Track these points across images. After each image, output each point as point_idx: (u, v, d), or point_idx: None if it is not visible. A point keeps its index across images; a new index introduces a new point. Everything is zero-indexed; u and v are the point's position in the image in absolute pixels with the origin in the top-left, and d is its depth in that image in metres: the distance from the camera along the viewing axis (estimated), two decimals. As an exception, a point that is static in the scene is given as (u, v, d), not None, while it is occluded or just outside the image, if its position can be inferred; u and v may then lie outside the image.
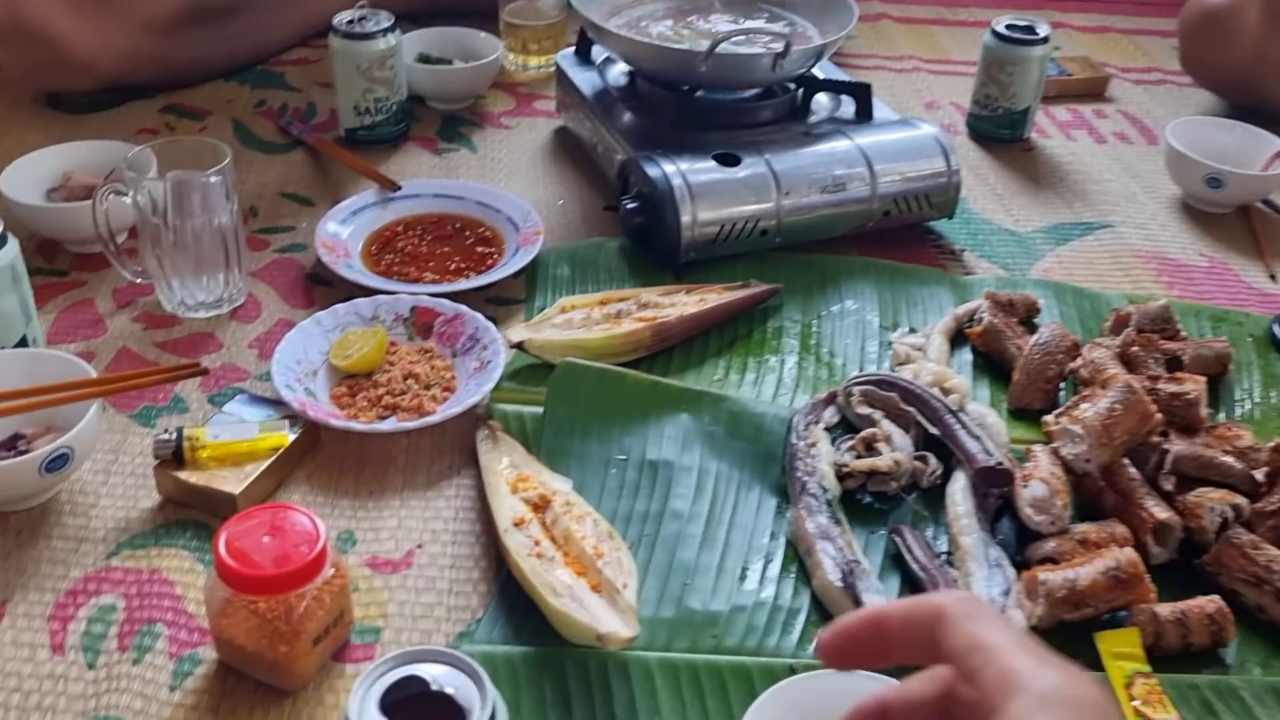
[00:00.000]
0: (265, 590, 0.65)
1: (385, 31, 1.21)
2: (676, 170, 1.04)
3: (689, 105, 1.16)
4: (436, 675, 0.56)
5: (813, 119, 1.19)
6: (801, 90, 1.20)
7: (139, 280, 1.00)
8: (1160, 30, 1.70)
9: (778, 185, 1.06)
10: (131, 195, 0.95)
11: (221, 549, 0.65)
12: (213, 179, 0.94)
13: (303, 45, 1.49)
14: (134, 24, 1.28)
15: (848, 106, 1.21)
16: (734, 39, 1.12)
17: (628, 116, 1.18)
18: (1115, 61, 1.60)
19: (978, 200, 1.24)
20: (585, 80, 1.25)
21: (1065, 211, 1.24)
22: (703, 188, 1.04)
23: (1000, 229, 1.20)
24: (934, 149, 1.12)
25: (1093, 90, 1.49)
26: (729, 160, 1.07)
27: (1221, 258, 1.17)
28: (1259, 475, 0.84)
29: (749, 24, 1.17)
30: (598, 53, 1.29)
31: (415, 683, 0.56)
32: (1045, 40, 1.29)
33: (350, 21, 1.21)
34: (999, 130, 1.35)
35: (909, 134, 1.14)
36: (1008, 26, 1.30)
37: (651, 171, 1.04)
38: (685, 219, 1.03)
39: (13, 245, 0.85)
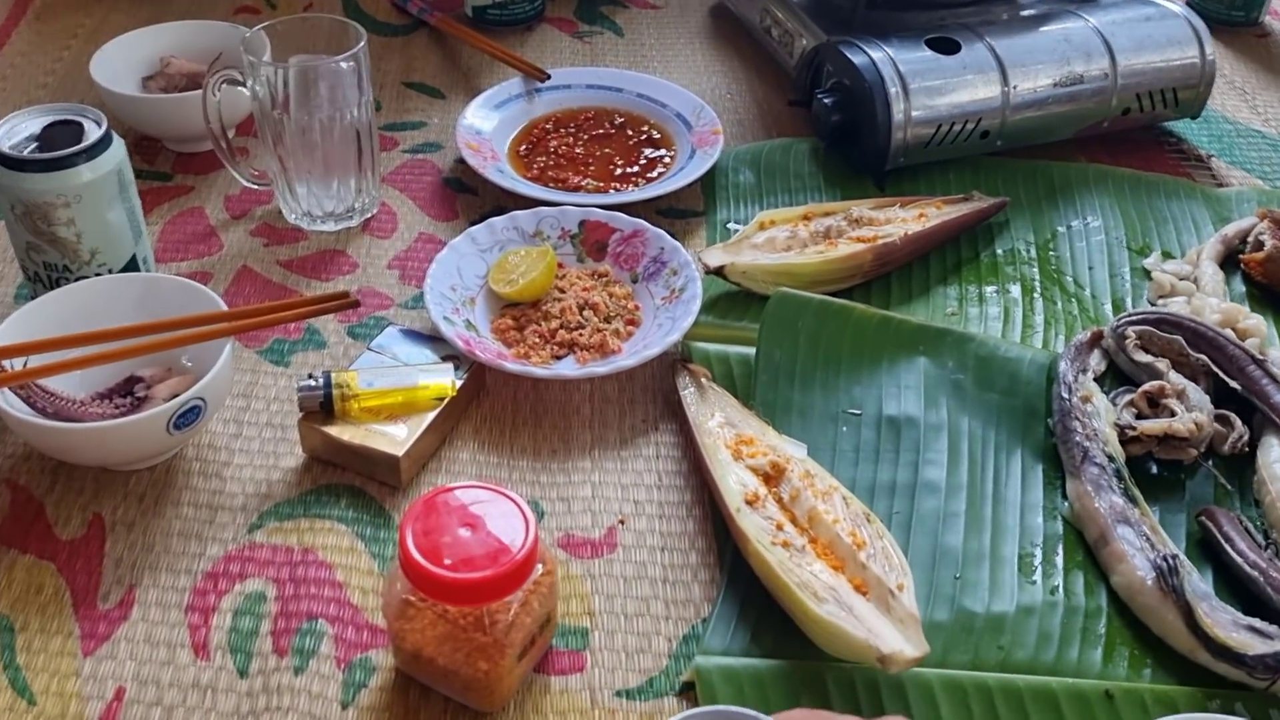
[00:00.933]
0: (464, 599, 0.51)
1: (522, -109, 1.03)
2: (886, 57, 0.87)
3: (885, -20, 0.98)
4: None
5: (1025, -3, 1.01)
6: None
7: (256, 186, 0.85)
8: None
9: (1004, 76, 0.88)
10: (249, 84, 0.79)
11: (410, 543, 0.51)
12: (344, 64, 0.78)
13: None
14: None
15: (1068, -18, 1.02)
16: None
17: (808, -6, 1.00)
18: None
19: (1216, 97, 1.05)
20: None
21: (1317, 109, 1.05)
22: (916, 78, 0.86)
23: (1249, 130, 1.01)
24: (1185, 33, 0.94)
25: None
26: (947, 46, 0.89)
27: None
28: None
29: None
30: (764, -82, 1.10)
31: None
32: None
33: (482, -121, 1.03)
34: (1231, 12, 1.15)
35: (1150, 13, 0.95)
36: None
37: (857, 59, 0.87)
38: (898, 117, 0.86)
39: (119, 147, 0.70)
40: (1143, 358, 0.72)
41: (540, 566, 0.54)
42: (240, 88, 0.81)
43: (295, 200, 0.84)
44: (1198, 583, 0.60)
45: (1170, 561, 0.60)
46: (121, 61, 0.93)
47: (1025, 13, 0.98)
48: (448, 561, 0.50)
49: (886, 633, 0.54)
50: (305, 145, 0.81)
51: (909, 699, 0.55)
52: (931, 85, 0.87)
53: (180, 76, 0.94)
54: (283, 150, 0.81)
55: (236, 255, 0.82)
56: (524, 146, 0.92)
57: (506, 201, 0.85)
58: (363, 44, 0.79)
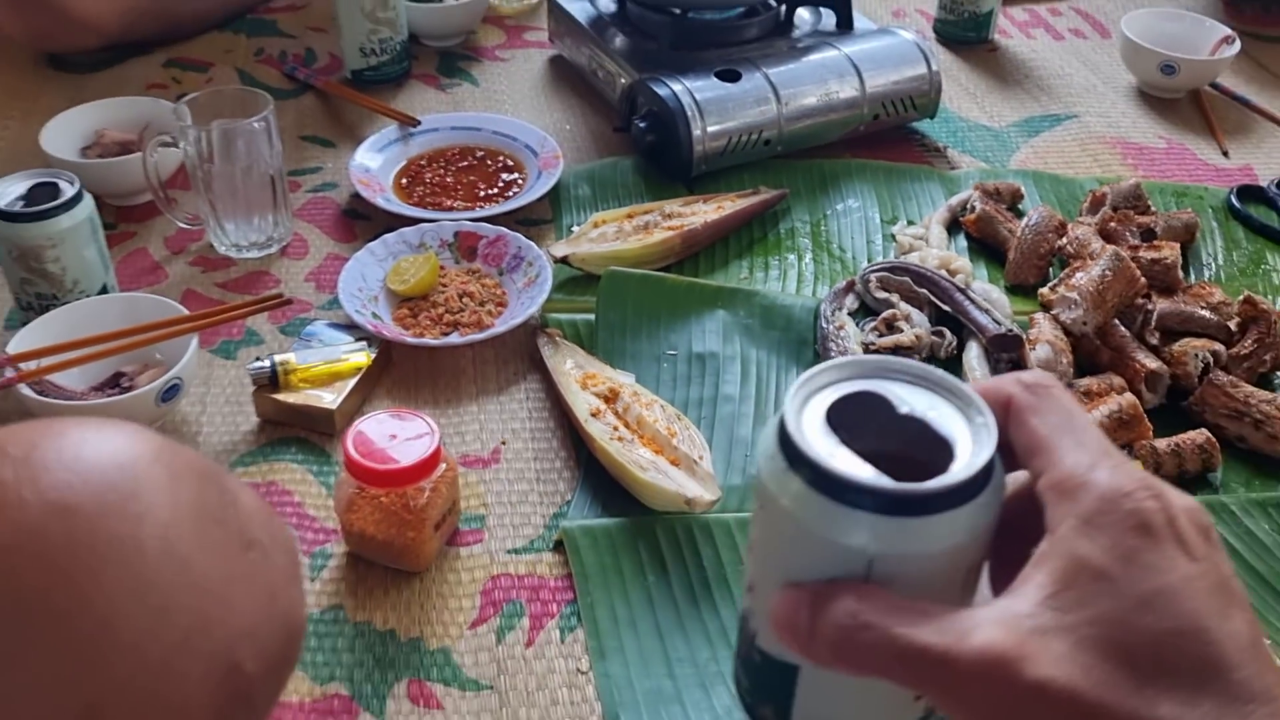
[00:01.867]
0: (393, 483, 0.73)
1: (385, -26, 1.26)
2: (684, 89, 1.12)
3: (683, 27, 1.23)
4: (904, 396, 0.40)
5: (796, 33, 1.27)
6: (784, 6, 1.27)
7: (190, 226, 1.05)
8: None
9: (777, 96, 1.14)
10: (181, 144, 1.00)
11: (351, 449, 0.73)
12: (257, 124, 1.00)
13: (289, -8, 1.52)
14: (131, -19, 1.32)
15: (828, 19, 1.28)
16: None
17: (623, 41, 1.25)
18: (1062, -39, 1.69)
19: (953, 100, 1.33)
20: (578, 9, 1.31)
21: (1034, 105, 1.33)
22: (709, 103, 1.11)
23: (977, 125, 1.29)
24: (915, 54, 1.21)
25: (1045, -11, 1.58)
26: (730, 76, 1.14)
27: (1179, 139, 1.28)
28: (1232, 325, 0.95)
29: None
30: (582, -19, 1.35)
31: (872, 402, 0.40)
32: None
33: (351, -34, 1.25)
34: (965, 33, 1.43)
35: (890, 41, 1.22)
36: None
37: (661, 91, 1.12)
38: (696, 133, 1.10)
39: (89, 199, 0.91)
40: (881, 294, 0.98)
41: (444, 465, 0.76)
42: (173, 148, 1.02)
43: (225, 234, 1.04)
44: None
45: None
46: (62, 135, 1.13)
47: (796, 46, 1.24)
48: (382, 456, 0.72)
49: (691, 485, 0.78)
50: (230, 190, 1.02)
51: (714, 536, 0.79)
52: (721, 108, 1.12)
53: (113, 144, 1.14)
54: (212, 195, 1.02)
55: (180, 282, 1.02)
56: (405, 179, 1.15)
57: (394, 223, 1.07)
58: (271, 107, 1.00)
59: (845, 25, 1.27)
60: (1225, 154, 1.26)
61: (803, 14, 1.29)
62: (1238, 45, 1.32)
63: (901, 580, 0.37)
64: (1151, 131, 1.29)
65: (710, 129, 1.11)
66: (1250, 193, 1.17)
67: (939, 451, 0.38)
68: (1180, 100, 1.35)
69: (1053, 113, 1.32)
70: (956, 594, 0.38)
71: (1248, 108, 1.35)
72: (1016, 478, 0.41)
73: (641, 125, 1.14)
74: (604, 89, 1.28)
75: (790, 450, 0.37)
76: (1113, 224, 1.05)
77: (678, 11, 1.23)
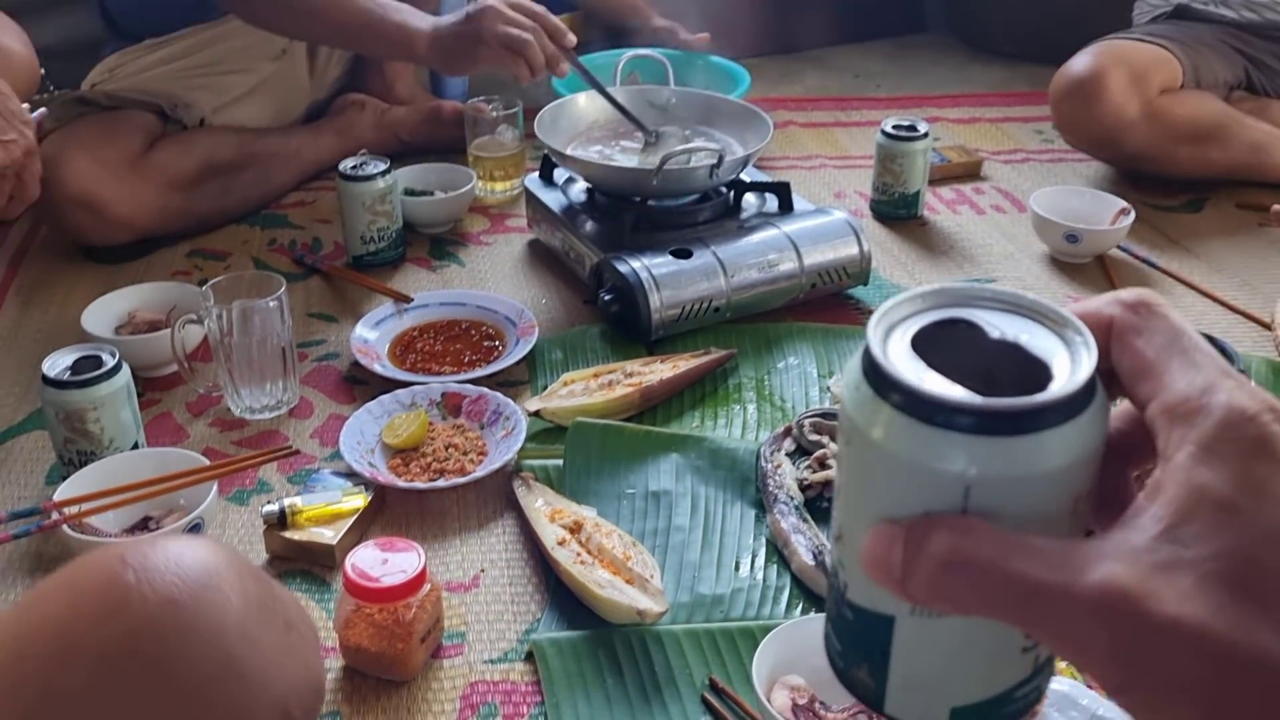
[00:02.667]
0: (385, 598, 0.85)
1: (383, 173, 1.44)
2: (642, 266, 1.28)
3: (644, 213, 1.41)
4: (994, 322, 0.37)
5: (744, 215, 1.45)
6: (733, 192, 1.46)
7: (210, 393, 1.20)
8: (1021, 117, 2.01)
9: (724, 270, 1.31)
10: (205, 322, 1.16)
11: (349, 570, 0.85)
12: (271, 304, 1.16)
13: (299, 190, 1.72)
14: (161, 184, 1.51)
15: (772, 202, 1.47)
16: (675, 157, 1.37)
17: (591, 226, 1.43)
18: (987, 146, 1.90)
19: (886, 269, 1.50)
20: (552, 199, 1.50)
21: (958, 272, 1.50)
22: (665, 278, 1.28)
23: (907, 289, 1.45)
24: (847, 231, 1.38)
25: (970, 172, 1.78)
26: (683, 254, 1.31)
27: (1084, 298, 1.44)
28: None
29: (688, 145, 1.43)
30: (559, 174, 1.54)
31: (960, 329, 0.37)
32: (925, 135, 1.58)
33: (354, 167, 1.44)
34: (897, 211, 1.62)
35: (825, 220, 1.40)
36: (894, 127, 1.58)
37: (623, 269, 1.28)
38: (654, 304, 1.27)
39: (126, 369, 1.06)
40: (814, 437, 1.12)
41: (429, 585, 0.88)
42: (197, 325, 1.17)
43: (240, 398, 1.19)
44: (838, 560, 0.97)
45: (821, 549, 0.97)
46: (100, 316, 1.29)
47: (744, 225, 1.41)
48: (372, 578, 0.85)
49: (643, 599, 0.90)
50: (247, 361, 1.17)
51: (664, 644, 0.90)
52: (676, 282, 1.28)
53: (143, 323, 1.30)
54: (231, 365, 1.17)
55: (201, 440, 1.17)
56: (399, 348, 1.30)
57: (390, 386, 1.22)
58: (283, 289, 1.17)
59: (786, 208, 1.45)
60: (1127, 311, 1.42)
61: (750, 198, 1.48)
62: (1133, 215, 1.50)
63: (1003, 510, 0.34)
64: (1061, 292, 1.46)
65: (666, 300, 1.27)
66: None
67: (1035, 374, 0.35)
68: (1087, 265, 1.52)
69: (974, 278, 1.49)
70: (1065, 527, 0.35)
71: (1150, 267, 1.52)
72: (1123, 407, 0.37)
73: (607, 298, 1.30)
74: (575, 267, 1.45)
75: (876, 376, 0.35)
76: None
77: (639, 200, 1.42)
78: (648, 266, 1.28)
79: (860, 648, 0.38)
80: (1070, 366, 0.35)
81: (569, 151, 1.44)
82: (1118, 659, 0.31)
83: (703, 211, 1.43)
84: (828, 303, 1.40)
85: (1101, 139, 1.69)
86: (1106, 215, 1.53)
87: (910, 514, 0.34)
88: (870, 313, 1.43)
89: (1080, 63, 1.68)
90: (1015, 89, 2.16)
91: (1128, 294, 0.36)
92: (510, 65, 1.45)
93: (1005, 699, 0.37)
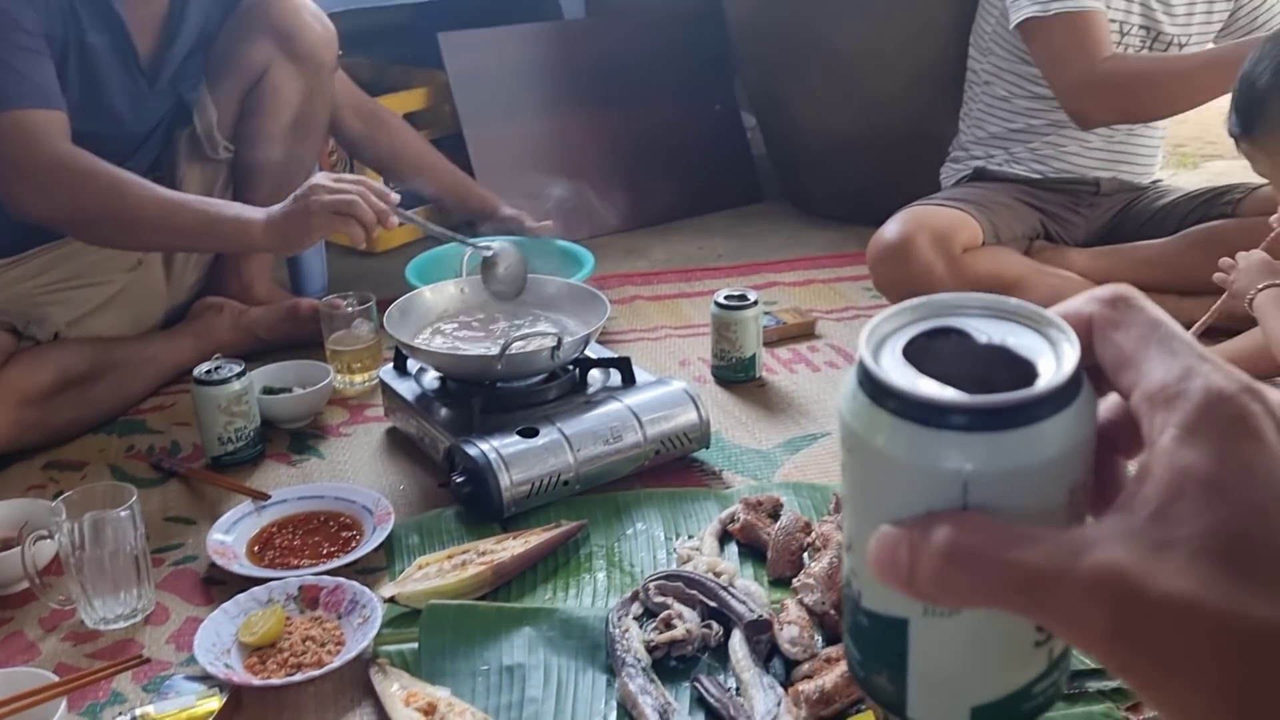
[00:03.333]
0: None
1: (238, 375, 1.49)
2: (491, 447, 1.35)
3: (492, 396, 1.48)
4: (981, 328, 0.39)
5: (591, 390, 1.53)
6: (578, 369, 1.54)
7: (62, 607, 1.21)
8: (851, 276, 2.17)
9: (571, 446, 1.38)
10: (56, 537, 1.18)
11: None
12: (123, 514, 1.18)
13: (156, 394, 1.74)
14: (14, 401, 1.53)
15: (616, 376, 1.55)
16: (517, 343, 1.45)
17: (444, 412, 1.49)
18: (820, 306, 2.03)
19: (728, 430, 1.59)
20: (406, 388, 1.56)
21: (795, 428, 1.60)
22: (513, 457, 1.34)
23: (748, 449, 1.54)
24: (685, 400, 1.47)
25: (805, 332, 1.91)
26: (530, 433, 1.38)
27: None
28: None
29: (528, 331, 1.51)
30: (412, 364, 1.60)
31: (949, 336, 0.39)
32: (755, 303, 1.69)
33: (208, 371, 1.49)
34: (735, 374, 1.72)
35: (665, 390, 1.49)
36: (726, 297, 1.70)
37: (472, 452, 1.34)
38: (504, 483, 1.32)
39: (-28, 590, 1.06)
40: (659, 599, 1.17)
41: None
42: (49, 541, 1.19)
43: (93, 610, 1.20)
44: (685, 716, 1.02)
45: (666, 708, 1.02)
46: (-52, 542, 1.29)
47: (590, 400, 1.49)
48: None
49: (493, 775, 0.93)
50: (99, 573, 1.18)
51: (518, 818, 0.93)
52: (524, 461, 1.35)
53: (-6, 543, 1.30)
54: (83, 578, 1.18)
55: (54, 656, 1.16)
56: (257, 546, 1.33)
57: (248, 584, 1.24)
58: (134, 498, 1.19)
59: (629, 381, 1.53)
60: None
61: (595, 374, 1.56)
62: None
63: (1001, 503, 0.35)
64: (891, 440, 1.56)
65: (516, 478, 1.33)
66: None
67: (1022, 374, 0.37)
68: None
69: (810, 432, 1.59)
70: (1062, 518, 0.36)
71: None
72: (1110, 399, 0.39)
73: (459, 480, 1.36)
74: (430, 452, 1.50)
75: (871, 385, 0.36)
76: (850, 520, 1.28)
77: (488, 384, 1.49)
78: (496, 448, 1.35)
79: (878, 654, 0.39)
80: (1055, 362, 0.36)
81: (417, 343, 1.51)
82: (1117, 638, 0.32)
83: (550, 390, 1.51)
84: (673, 467, 1.48)
85: (916, 296, 1.83)
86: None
87: (913, 514, 0.36)
88: (715, 473, 1.52)
89: (890, 229, 1.84)
90: (845, 250, 2.32)
91: (1104, 291, 0.38)
92: (343, 228, 1.53)
93: (1024, 695, 0.38)
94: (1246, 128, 1.48)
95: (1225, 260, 1.57)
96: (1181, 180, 2.82)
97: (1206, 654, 0.31)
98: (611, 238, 2.42)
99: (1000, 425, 0.35)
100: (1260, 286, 1.50)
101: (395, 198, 1.58)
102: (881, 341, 0.38)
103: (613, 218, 2.46)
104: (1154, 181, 2.12)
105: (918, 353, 0.37)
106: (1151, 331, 0.36)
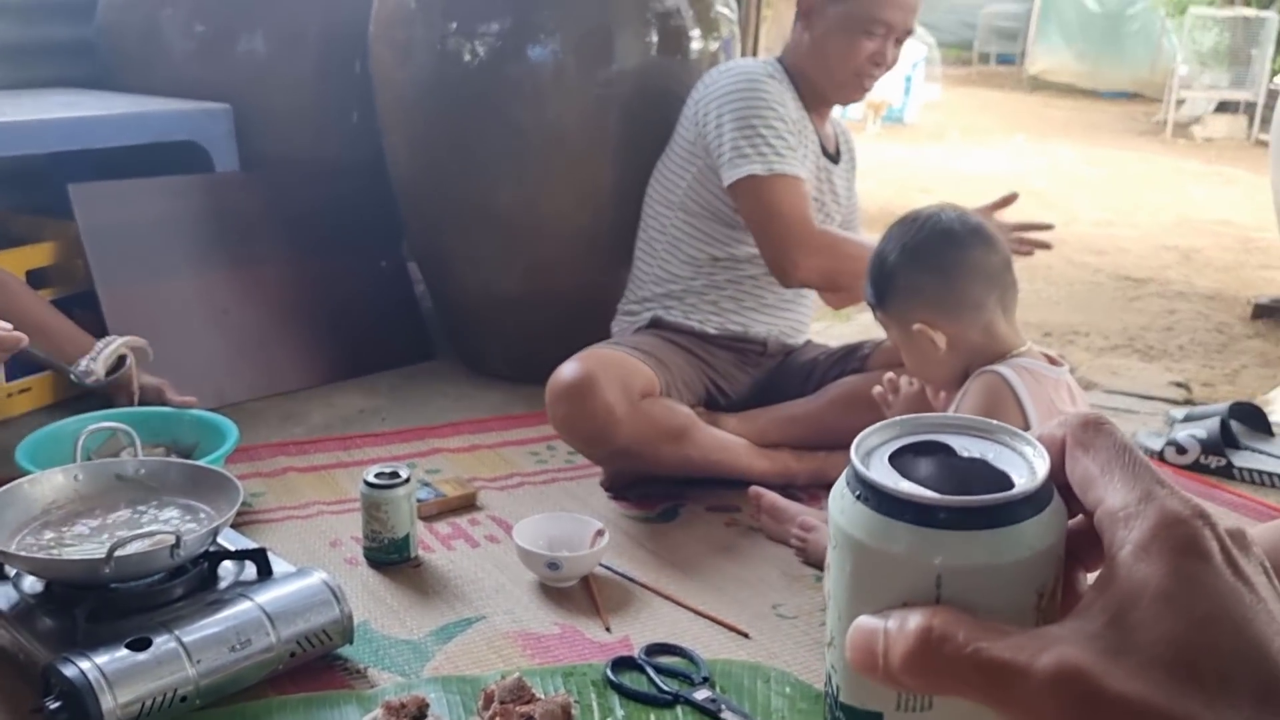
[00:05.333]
0: None
1: None
2: (92, 665, 1.19)
3: (104, 600, 1.31)
4: (962, 444, 0.44)
5: (222, 584, 1.40)
6: (208, 563, 1.41)
7: None
8: (517, 440, 2.14)
9: (189, 656, 1.24)
10: None
11: None
12: None
13: None
14: None
15: (251, 568, 1.43)
16: (133, 543, 1.30)
17: (46, 621, 1.31)
18: (484, 474, 1.99)
19: (378, 619, 1.49)
20: (1, 595, 1.36)
21: (450, 613, 1.53)
22: (119, 675, 1.19)
23: (398, 640, 1.45)
24: (324, 593, 1.37)
25: (466, 503, 1.85)
26: (141, 644, 1.23)
27: (571, 622, 1.51)
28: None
29: (139, 531, 1.36)
30: (9, 567, 1.41)
31: (933, 449, 0.44)
32: (407, 480, 1.62)
33: None
34: (389, 556, 1.63)
35: (303, 584, 1.38)
36: (376, 475, 1.62)
37: (69, 672, 1.18)
38: (106, 706, 1.17)
39: None
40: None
41: None
42: None
43: None
44: None
45: None
46: None
47: (222, 599, 1.36)
48: None
49: None
50: None
51: None
52: (133, 677, 1.19)
53: None
54: None
55: None
56: None
57: None
58: None
59: (265, 573, 1.41)
60: (608, 629, 1.50)
61: (228, 565, 1.43)
62: (607, 537, 1.62)
63: (972, 598, 0.38)
64: (549, 619, 1.52)
65: (122, 699, 1.18)
66: (624, 663, 1.40)
67: (998, 485, 0.41)
68: (574, 587, 1.60)
69: (465, 616, 1.52)
70: (1030, 618, 0.40)
71: (630, 582, 1.62)
72: (1074, 519, 0.43)
73: (54, 706, 1.18)
74: (28, 670, 1.31)
75: (858, 485, 0.41)
76: (497, 718, 1.22)
77: (99, 588, 1.32)
78: (99, 665, 1.19)
79: None
80: (1029, 473, 0.41)
81: (14, 547, 1.33)
82: None
83: (175, 588, 1.36)
84: (313, 667, 1.36)
85: (594, 434, 1.82)
86: (585, 537, 1.64)
87: (890, 605, 0.39)
88: (359, 671, 1.41)
89: (570, 368, 1.83)
90: (513, 411, 2.30)
91: (1076, 415, 0.42)
92: None
93: None
94: (879, 300, 1.59)
95: (889, 376, 1.68)
96: (836, 330, 3.04)
97: None
98: (269, 401, 2.29)
99: (975, 524, 0.38)
100: None
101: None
102: (870, 451, 0.43)
103: (273, 378, 2.33)
104: (806, 341, 2.25)
105: (903, 462, 0.42)
106: (1117, 456, 0.40)
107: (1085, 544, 0.42)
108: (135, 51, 2.53)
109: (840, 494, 0.42)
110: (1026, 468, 0.42)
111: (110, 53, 2.58)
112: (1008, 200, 1.95)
